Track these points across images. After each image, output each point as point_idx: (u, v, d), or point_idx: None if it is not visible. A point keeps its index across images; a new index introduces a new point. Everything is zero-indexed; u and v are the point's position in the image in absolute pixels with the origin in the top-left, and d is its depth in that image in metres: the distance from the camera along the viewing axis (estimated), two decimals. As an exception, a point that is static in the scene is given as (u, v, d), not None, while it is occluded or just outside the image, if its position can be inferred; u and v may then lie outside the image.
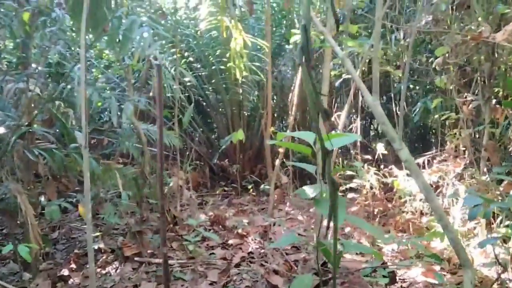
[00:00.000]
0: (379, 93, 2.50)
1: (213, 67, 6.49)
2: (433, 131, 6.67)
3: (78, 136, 3.85)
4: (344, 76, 4.65)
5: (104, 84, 5.02)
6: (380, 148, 4.40)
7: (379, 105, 2.49)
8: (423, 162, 4.18)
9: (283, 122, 8.24)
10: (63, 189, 4.33)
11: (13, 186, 3.31)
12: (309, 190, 2.01)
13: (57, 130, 4.96)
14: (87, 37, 4.78)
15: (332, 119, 4.93)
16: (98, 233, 3.76)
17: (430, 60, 4.26)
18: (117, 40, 3.70)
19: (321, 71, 6.92)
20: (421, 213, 3.87)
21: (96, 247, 3.63)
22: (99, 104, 5.55)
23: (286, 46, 7.26)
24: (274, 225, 4.33)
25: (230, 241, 4.08)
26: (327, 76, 3.54)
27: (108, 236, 4.02)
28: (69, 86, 3.80)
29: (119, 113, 3.63)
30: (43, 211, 4.00)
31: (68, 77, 4.92)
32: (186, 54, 6.68)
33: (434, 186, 3.83)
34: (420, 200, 3.82)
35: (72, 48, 6.74)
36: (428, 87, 4.98)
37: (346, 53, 2.62)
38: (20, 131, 3.33)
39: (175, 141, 4.15)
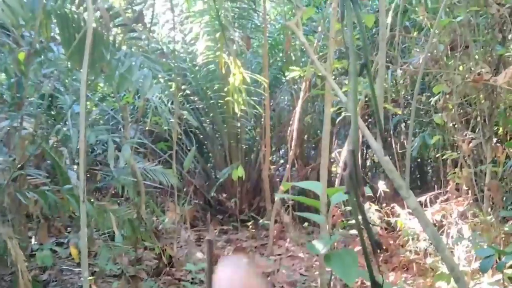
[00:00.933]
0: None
1: (211, 101, 6.48)
2: (431, 164, 6.65)
3: (71, 175, 3.77)
4: (344, 113, 4.62)
5: (101, 126, 4.91)
6: (382, 186, 4.35)
7: (385, 152, 2.45)
8: (425, 200, 4.13)
9: (280, 152, 8.21)
10: (56, 233, 4.21)
11: (3, 230, 3.21)
12: (319, 246, 1.94)
13: (49, 162, 4.88)
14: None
15: (333, 155, 4.88)
16: (90, 277, 3.64)
17: (430, 100, 4.26)
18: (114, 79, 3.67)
19: (316, 104, 6.98)
20: (425, 253, 3.80)
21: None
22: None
23: (283, 78, 7.29)
24: (278, 271, 4.19)
25: (230, 283, 3.96)
26: (329, 115, 3.51)
27: (101, 278, 3.90)
28: (64, 128, 3.74)
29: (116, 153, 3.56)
30: (33, 253, 3.89)
31: (63, 116, 4.88)
32: (183, 87, 6.67)
33: (437, 226, 3.77)
34: (424, 240, 3.76)
35: (66, 81, 6.71)
36: (425, 121, 4.98)
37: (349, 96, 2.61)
38: (13, 174, 3.26)
39: (174, 180, 4.08)
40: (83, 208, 2.28)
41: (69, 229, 4.91)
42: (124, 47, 3.85)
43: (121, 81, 3.20)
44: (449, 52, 3.85)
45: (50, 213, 3.57)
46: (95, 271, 4.01)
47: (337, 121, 5.15)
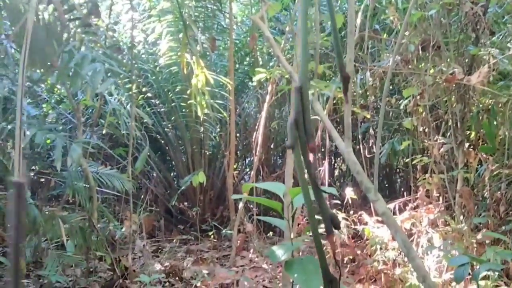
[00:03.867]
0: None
1: (173, 104, 6.25)
2: (400, 173, 6.58)
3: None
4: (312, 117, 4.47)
5: (51, 124, 4.61)
6: (349, 193, 4.20)
7: (352, 153, 2.31)
8: (394, 208, 4.01)
9: (246, 161, 8.02)
10: None
11: None
12: (279, 252, 1.76)
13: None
14: (37, 71, 4.50)
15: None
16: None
17: (400, 102, 4.16)
18: (68, 75, 3.42)
19: (283, 109, 6.84)
20: (394, 263, 3.66)
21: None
22: (48, 141, 5.21)
23: (250, 83, 7.14)
24: (237, 282, 3.97)
25: (187, 297, 3.75)
26: (294, 117, 3.36)
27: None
28: (9, 126, 3.46)
29: (66, 155, 3.28)
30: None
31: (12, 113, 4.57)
32: (144, 89, 6.42)
33: (407, 234, 3.65)
34: (393, 249, 3.62)
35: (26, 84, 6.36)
36: (395, 127, 4.89)
37: (316, 96, 2.44)
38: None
39: (128, 184, 3.83)
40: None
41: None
42: (77, 43, 3.61)
43: (74, 77, 2.96)
44: (420, 52, 3.76)
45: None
46: (44, 283, 3.71)
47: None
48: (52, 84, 6.26)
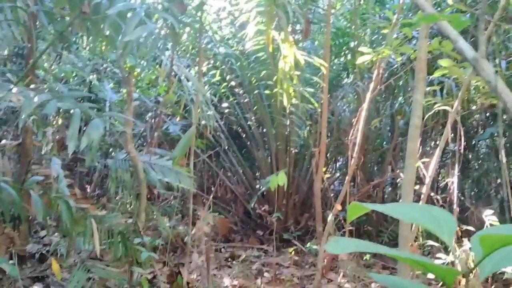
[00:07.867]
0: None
1: (256, 92, 5.24)
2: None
3: (54, 166, 2.64)
4: (437, 107, 3.21)
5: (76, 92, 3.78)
6: (490, 216, 2.89)
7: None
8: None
9: (337, 164, 6.83)
10: (7, 243, 3.05)
11: None
12: None
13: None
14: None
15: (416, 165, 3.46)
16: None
17: None
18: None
19: (388, 104, 5.57)
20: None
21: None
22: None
23: (346, 79, 5.98)
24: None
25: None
26: (421, 103, 2.16)
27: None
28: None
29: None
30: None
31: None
32: (228, 77, 5.49)
33: None
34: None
35: (105, 66, 5.79)
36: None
37: (483, 52, 1.22)
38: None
39: (187, 182, 2.83)
40: None
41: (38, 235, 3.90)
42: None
43: (99, 21, 2.03)
44: None
45: (7, 215, 2.46)
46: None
47: (424, 118, 3.59)
48: (131, 68, 5.54)
